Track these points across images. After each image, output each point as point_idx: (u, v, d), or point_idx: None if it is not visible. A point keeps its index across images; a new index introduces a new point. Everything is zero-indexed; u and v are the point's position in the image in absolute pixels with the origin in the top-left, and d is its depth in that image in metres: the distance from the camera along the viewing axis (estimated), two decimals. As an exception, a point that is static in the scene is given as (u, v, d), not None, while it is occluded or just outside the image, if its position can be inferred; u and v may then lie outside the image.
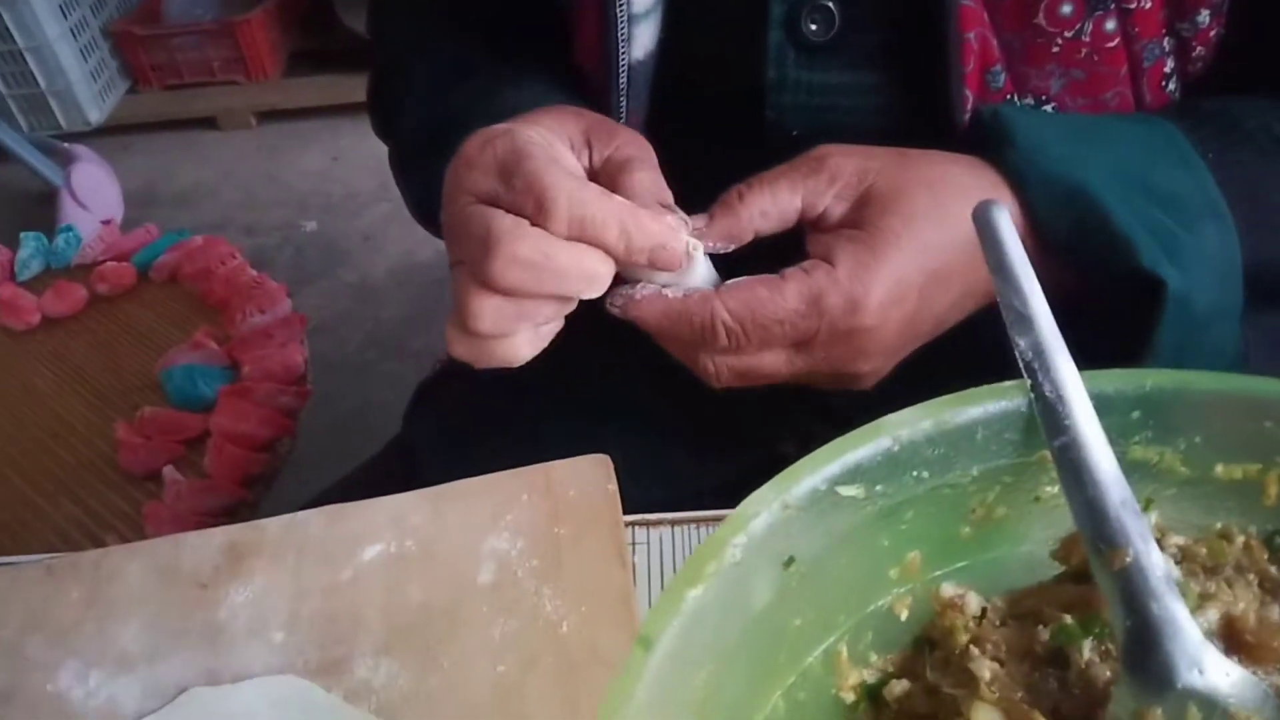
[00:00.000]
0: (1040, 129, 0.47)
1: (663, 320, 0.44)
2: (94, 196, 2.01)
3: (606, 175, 0.45)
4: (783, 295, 0.43)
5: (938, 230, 0.44)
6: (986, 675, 0.34)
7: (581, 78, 0.60)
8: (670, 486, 0.60)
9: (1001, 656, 0.35)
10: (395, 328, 1.91)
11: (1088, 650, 0.33)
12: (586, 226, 0.41)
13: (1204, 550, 0.35)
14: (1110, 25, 0.50)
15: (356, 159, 2.34)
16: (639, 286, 0.44)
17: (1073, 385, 0.33)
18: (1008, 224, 0.35)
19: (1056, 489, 0.34)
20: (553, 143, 0.45)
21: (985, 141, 0.47)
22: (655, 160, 0.46)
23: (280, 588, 0.44)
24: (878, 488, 0.33)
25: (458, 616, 0.42)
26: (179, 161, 2.40)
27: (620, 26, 0.53)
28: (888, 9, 0.52)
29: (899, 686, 0.35)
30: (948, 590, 0.36)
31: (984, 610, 0.36)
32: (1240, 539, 0.35)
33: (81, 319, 1.27)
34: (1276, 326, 0.55)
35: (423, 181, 0.65)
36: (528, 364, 0.55)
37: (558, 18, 0.62)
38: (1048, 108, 0.53)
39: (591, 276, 0.42)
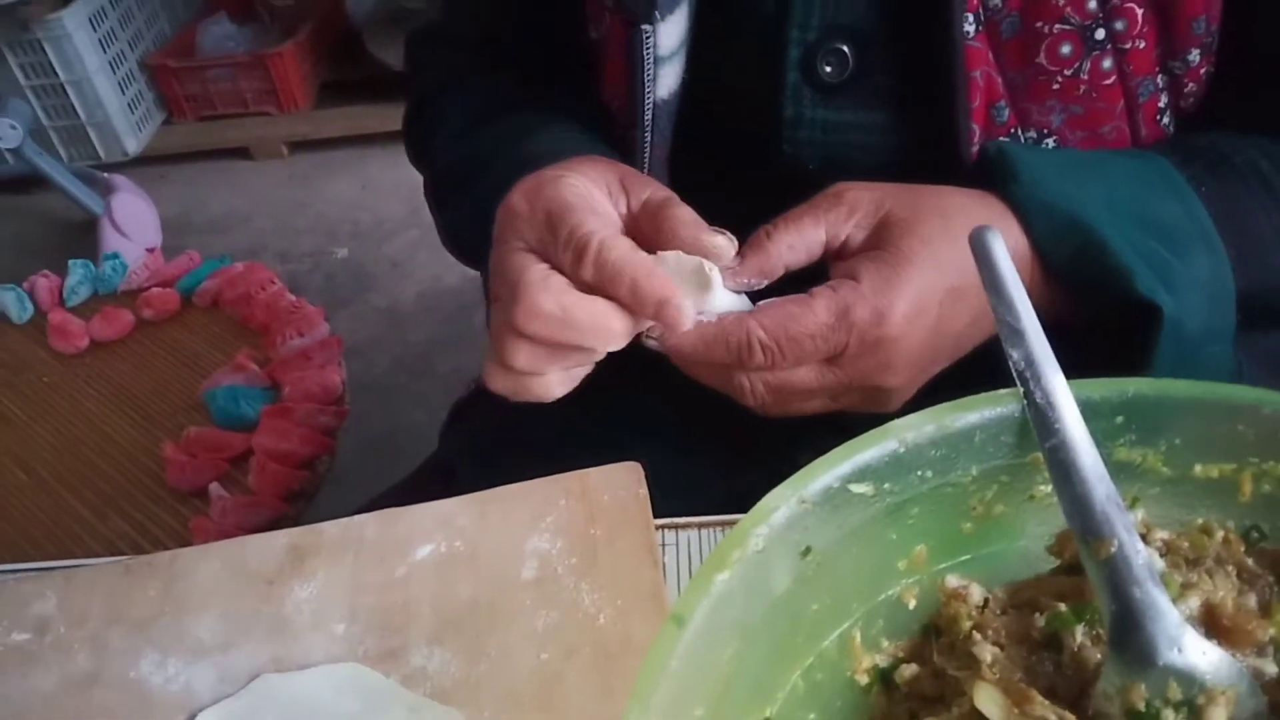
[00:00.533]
0: (1041, 163, 0.51)
1: (699, 345, 0.47)
2: (133, 225, 2.08)
3: (648, 215, 0.49)
4: (813, 310, 0.46)
5: (952, 251, 0.47)
6: (988, 658, 0.37)
7: (607, 115, 0.64)
8: (693, 498, 0.64)
9: (1002, 641, 0.38)
10: (423, 351, 1.96)
11: (1080, 635, 0.37)
12: (605, 273, 0.44)
13: (1186, 544, 0.38)
14: (1107, 64, 0.54)
15: (385, 187, 2.40)
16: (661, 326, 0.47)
17: (1061, 392, 0.36)
18: (1001, 247, 0.39)
19: (1049, 488, 0.38)
20: (591, 191, 0.49)
21: (991, 175, 0.51)
22: (680, 201, 0.49)
23: (340, 584, 0.48)
24: (886, 485, 0.37)
25: (503, 609, 0.46)
26: (213, 190, 2.47)
27: (646, 68, 0.56)
28: (898, 51, 0.56)
29: (908, 670, 0.39)
30: (952, 581, 0.39)
31: (986, 600, 0.39)
32: (1220, 533, 0.38)
33: (128, 343, 1.32)
34: (1266, 348, 0.58)
35: (454, 214, 0.69)
36: None
37: (584, 57, 0.67)
38: (1049, 141, 0.56)
39: (607, 332, 0.45)
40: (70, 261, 1.43)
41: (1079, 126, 0.56)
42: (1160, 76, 0.55)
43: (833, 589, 0.37)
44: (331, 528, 0.50)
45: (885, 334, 0.46)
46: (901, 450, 0.37)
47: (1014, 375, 0.38)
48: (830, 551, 0.36)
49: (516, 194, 0.48)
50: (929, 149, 0.56)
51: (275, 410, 1.15)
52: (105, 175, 2.22)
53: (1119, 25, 0.52)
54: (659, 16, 0.55)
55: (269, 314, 1.28)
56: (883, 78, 0.57)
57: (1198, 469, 0.38)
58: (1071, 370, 0.38)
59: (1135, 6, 0.52)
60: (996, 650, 0.38)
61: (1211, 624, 0.36)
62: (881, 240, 0.48)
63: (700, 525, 0.50)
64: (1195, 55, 0.54)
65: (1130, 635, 0.34)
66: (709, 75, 0.60)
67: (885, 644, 0.39)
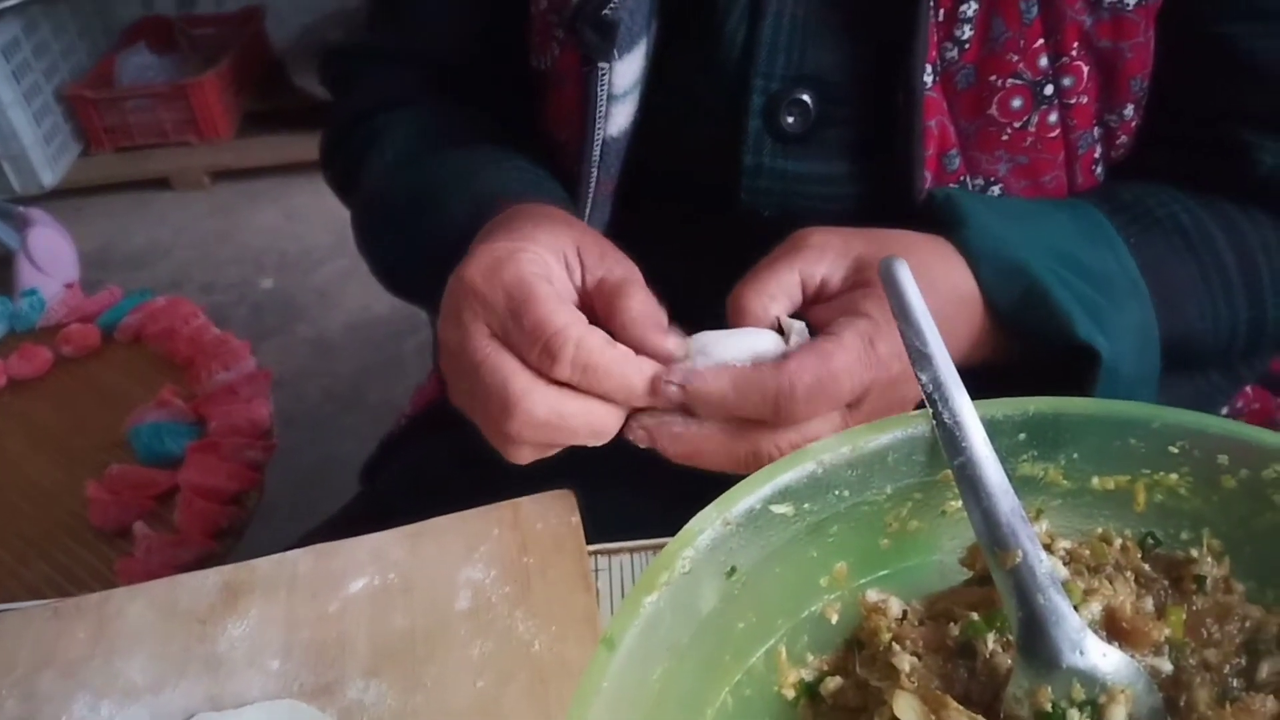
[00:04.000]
0: (987, 211, 0.53)
1: (730, 392, 0.45)
2: (51, 260, 2.03)
3: (601, 298, 0.48)
4: (844, 345, 0.45)
5: (929, 287, 0.46)
6: (906, 668, 0.39)
7: (552, 146, 0.65)
8: (628, 530, 0.65)
9: (919, 651, 0.40)
10: (353, 382, 1.94)
11: (991, 642, 0.39)
12: (589, 375, 0.44)
13: (1087, 552, 0.41)
14: (1053, 118, 0.57)
15: (310, 216, 2.39)
16: (696, 362, 0.45)
17: (967, 412, 0.38)
18: (908, 276, 0.41)
19: (959, 503, 0.40)
20: (549, 265, 0.48)
21: (939, 220, 0.53)
22: (642, 279, 0.48)
23: (274, 620, 0.48)
24: (805, 505, 0.38)
25: (439, 640, 0.46)
26: (133, 222, 2.43)
27: (600, 105, 0.57)
28: (859, 101, 0.58)
29: (833, 683, 0.40)
30: (872, 596, 0.41)
31: (904, 612, 0.41)
32: (1118, 541, 0.41)
33: (47, 381, 1.29)
34: (1182, 388, 0.61)
35: (391, 248, 0.68)
36: None
37: (524, 84, 0.66)
38: (995, 188, 0.59)
39: (599, 431, 0.45)
40: (-14, 299, 1.40)
41: (1023, 175, 0.59)
42: (1097, 129, 0.58)
43: (758, 607, 0.39)
44: (264, 564, 0.50)
45: (905, 370, 0.46)
46: (819, 471, 0.38)
47: (924, 397, 0.40)
48: (754, 571, 0.38)
49: (473, 270, 0.47)
50: (881, 198, 0.58)
51: (201, 446, 1.13)
52: (20, 209, 2.17)
53: (1066, 81, 0.55)
54: (617, 55, 0.55)
55: (193, 348, 1.26)
56: (842, 129, 0.58)
57: (1095, 481, 0.41)
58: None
59: (1082, 64, 0.55)
60: (915, 660, 0.39)
61: (1112, 627, 0.39)
62: (867, 278, 0.48)
63: (632, 550, 0.51)
64: (1130, 110, 0.58)
65: (1036, 640, 0.36)
66: (665, 116, 0.61)
67: (810, 658, 0.41)
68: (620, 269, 0.48)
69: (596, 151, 0.58)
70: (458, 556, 0.49)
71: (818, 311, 0.50)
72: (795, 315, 0.49)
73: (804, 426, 0.46)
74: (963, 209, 0.54)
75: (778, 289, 0.49)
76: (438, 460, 0.78)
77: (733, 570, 0.37)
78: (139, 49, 2.53)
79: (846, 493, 0.39)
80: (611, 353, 0.44)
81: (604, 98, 0.56)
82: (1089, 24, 0.54)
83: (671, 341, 0.45)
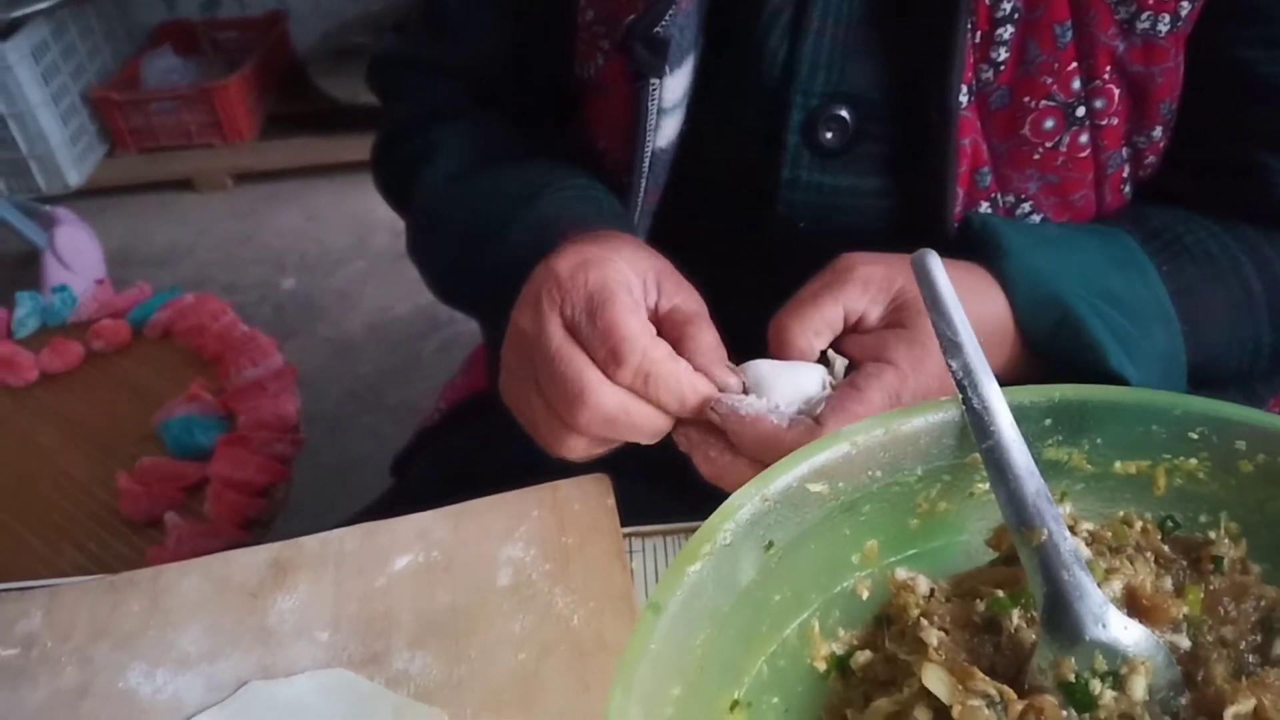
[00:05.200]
0: (1023, 240, 0.55)
1: (757, 443, 0.47)
2: (77, 257, 2.06)
3: (672, 325, 0.51)
4: (869, 404, 0.48)
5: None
6: (934, 642, 0.40)
7: (592, 153, 0.66)
8: (657, 519, 0.66)
9: (946, 627, 0.41)
10: (372, 382, 1.97)
11: (1016, 618, 0.40)
12: (650, 384, 0.47)
13: (1109, 534, 0.42)
14: (1084, 139, 0.58)
15: (331, 218, 2.41)
16: (747, 401, 0.48)
17: (995, 398, 0.40)
18: (940, 268, 0.43)
19: (987, 486, 0.41)
20: (631, 279, 0.50)
21: (976, 247, 0.55)
22: (709, 317, 0.51)
23: (322, 595, 0.50)
24: (840, 484, 0.40)
25: (481, 614, 0.48)
26: (156, 222, 2.46)
27: (650, 118, 0.58)
28: (895, 118, 0.59)
29: (863, 656, 0.42)
30: (901, 573, 0.43)
31: (931, 590, 0.43)
32: (1138, 524, 0.43)
33: (78, 375, 1.32)
34: None
35: (450, 269, 0.69)
36: None
37: (567, 97, 0.68)
38: (1025, 205, 0.60)
39: (657, 432, 0.49)
40: (17, 294, 1.42)
41: (1053, 194, 0.60)
42: (1125, 149, 0.60)
43: (793, 581, 0.40)
44: (311, 541, 0.52)
45: None
46: (853, 452, 0.40)
47: (954, 383, 0.41)
48: (790, 546, 0.40)
49: (561, 264, 0.49)
50: (914, 212, 0.60)
51: (231, 439, 1.16)
52: (47, 208, 2.20)
53: (1098, 104, 0.57)
54: (668, 70, 0.57)
55: (222, 344, 1.29)
56: (878, 145, 0.60)
57: (1118, 466, 0.42)
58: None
59: (1114, 87, 0.57)
60: (942, 635, 0.41)
61: (1132, 605, 0.40)
62: (902, 318, 0.51)
63: (665, 533, 0.53)
64: (1158, 131, 0.59)
65: (1060, 614, 0.38)
66: (708, 129, 0.62)
67: (841, 633, 0.43)
68: (694, 303, 0.52)
69: (646, 163, 0.60)
70: (499, 535, 0.51)
71: (852, 342, 0.52)
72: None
73: None
74: (1001, 237, 0.55)
75: (822, 324, 0.51)
76: (469, 453, 0.80)
77: (770, 544, 0.39)
78: (164, 52, 2.56)
79: (879, 473, 0.41)
80: (673, 365, 0.48)
81: (654, 111, 0.58)
82: (1121, 49, 0.56)
83: (731, 377, 0.49)
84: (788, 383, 0.49)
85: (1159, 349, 0.55)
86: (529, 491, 0.53)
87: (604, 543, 0.50)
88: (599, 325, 0.47)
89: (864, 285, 0.51)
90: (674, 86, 0.58)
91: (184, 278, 2.21)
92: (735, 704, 0.39)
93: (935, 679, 0.39)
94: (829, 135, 0.60)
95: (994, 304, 0.53)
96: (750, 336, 0.52)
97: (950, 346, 0.42)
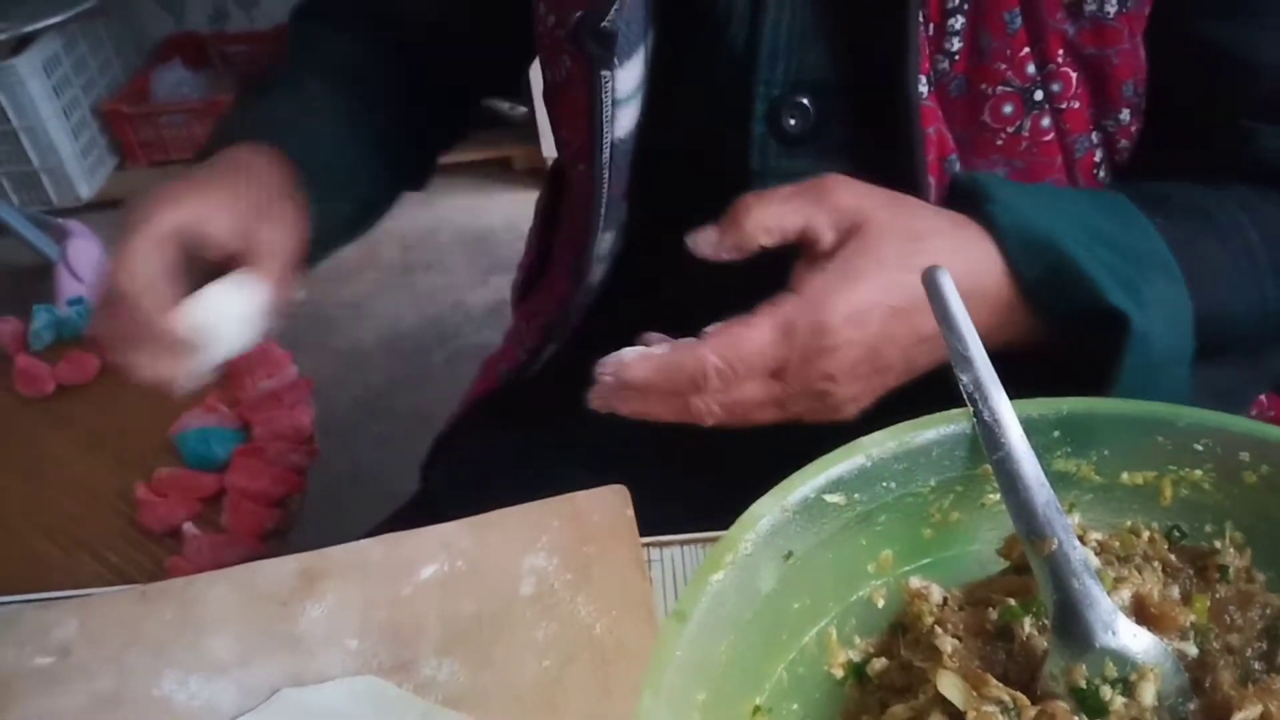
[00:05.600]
0: (1012, 189, 0.56)
1: (656, 375, 0.50)
2: (89, 270, 2.08)
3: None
4: (758, 329, 0.49)
5: (902, 274, 0.50)
6: (948, 649, 0.42)
7: (569, 152, 0.69)
8: (672, 528, 0.68)
9: (960, 635, 0.43)
10: (384, 392, 1.98)
11: (1028, 626, 0.42)
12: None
13: (1117, 544, 0.44)
14: (1045, 122, 0.59)
15: (341, 230, 2.42)
16: (624, 352, 0.50)
17: (1006, 411, 0.41)
18: (950, 283, 0.44)
19: (998, 496, 0.43)
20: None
21: (965, 199, 0.55)
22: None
23: (350, 603, 0.51)
24: (855, 496, 0.41)
25: (505, 622, 0.49)
26: (167, 235, 2.47)
27: (605, 110, 0.60)
28: (856, 105, 0.61)
29: (879, 664, 0.43)
30: (915, 583, 0.44)
31: (945, 599, 0.44)
32: (1146, 533, 0.44)
33: (94, 387, 1.33)
34: (1212, 377, 0.61)
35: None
36: (540, 416, 0.63)
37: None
38: None
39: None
40: (35, 306, 1.44)
41: (1022, 178, 0.61)
42: (1095, 134, 0.61)
43: (811, 590, 0.42)
44: (338, 551, 0.54)
45: (824, 344, 0.49)
46: (869, 464, 0.41)
47: (964, 396, 0.43)
48: (809, 556, 0.41)
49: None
50: None
51: (247, 450, 1.17)
52: (59, 221, 2.22)
53: (1055, 87, 0.58)
54: (618, 63, 0.59)
55: (237, 357, 1.29)
56: (842, 130, 0.61)
57: (1125, 477, 0.43)
58: (1037, 393, 0.43)
59: (1070, 70, 0.58)
60: (956, 642, 0.42)
61: (1141, 613, 0.42)
62: (839, 251, 0.51)
63: (682, 543, 0.54)
64: (1126, 115, 0.60)
65: (1071, 622, 0.39)
66: (674, 119, 0.64)
67: (858, 640, 0.44)
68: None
69: (606, 154, 0.62)
70: (521, 545, 0.52)
71: (798, 263, 0.52)
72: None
73: (730, 389, 0.50)
74: (988, 186, 0.56)
75: (776, 225, 0.51)
76: (488, 461, 0.81)
77: (789, 554, 0.40)
78: (173, 65, 2.59)
79: (893, 484, 0.42)
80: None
81: (609, 103, 0.60)
82: (1071, 32, 0.56)
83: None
84: None
85: (1163, 296, 0.54)
86: (550, 503, 0.54)
87: (624, 552, 0.52)
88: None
89: (831, 210, 0.52)
90: (626, 79, 0.60)
91: (194, 289, 2.23)
92: (757, 709, 0.40)
93: (950, 685, 0.40)
94: (792, 122, 0.61)
95: (984, 252, 0.53)
96: (728, 317, 0.52)
97: (960, 361, 0.43)
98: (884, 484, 0.42)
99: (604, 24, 0.58)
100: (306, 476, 1.17)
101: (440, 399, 1.96)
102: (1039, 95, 0.58)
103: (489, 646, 0.48)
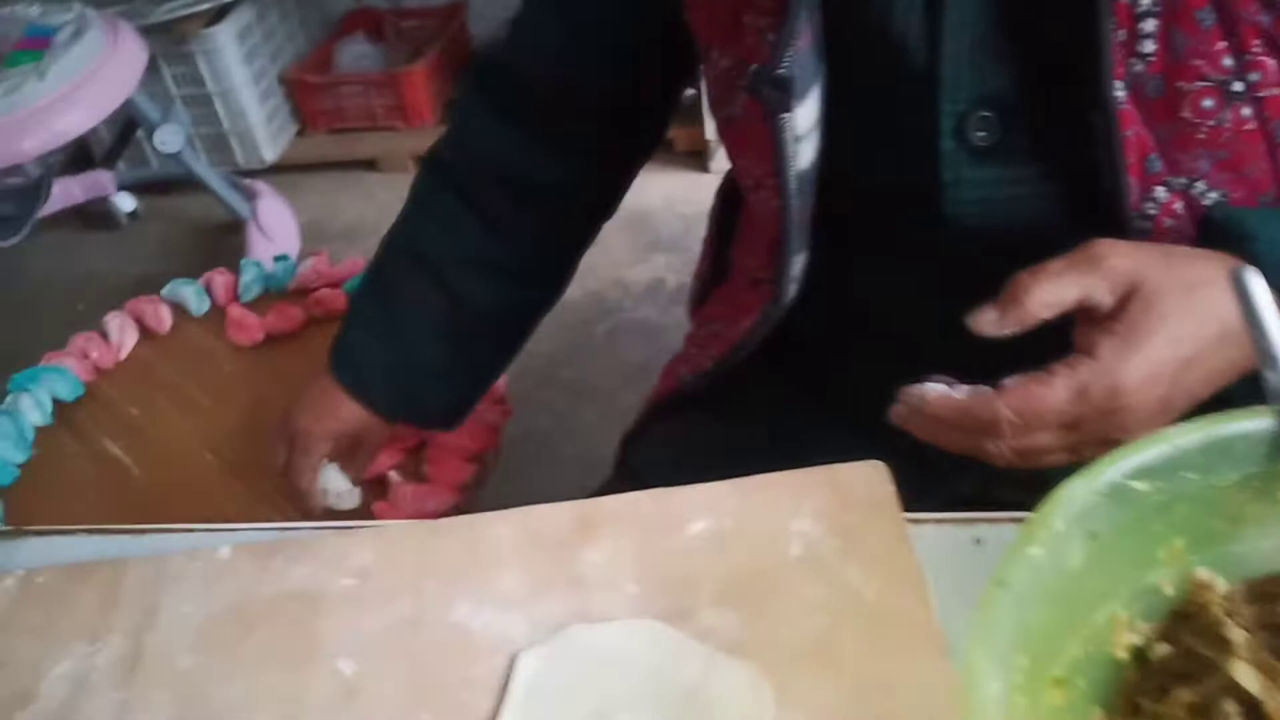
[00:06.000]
0: (1271, 223, 0.56)
1: (949, 414, 0.53)
2: (276, 229, 2.20)
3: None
4: (1054, 390, 0.52)
5: (1188, 326, 0.52)
6: (1240, 640, 0.43)
7: (750, 180, 0.72)
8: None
9: (1248, 626, 0.44)
10: (546, 361, 2.04)
11: (1324, 621, 0.42)
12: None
13: None
14: (1246, 111, 0.59)
15: (506, 202, 2.50)
16: (926, 386, 0.54)
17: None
18: (1257, 283, 0.44)
19: (1296, 495, 0.43)
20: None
21: (1225, 238, 0.56)
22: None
23: (627, 551, 0.55)
24: (1158, 484, 0.43)
25: (776, 580, 0.52)
26: (343, 199, 2.59)
27: (789, 147, 0.63)
28: (1045, 110, 0.62)
29: (1161, 649, 0.45)
30: (1202, 573, 0.45)
31: (1230, 591, 0.45)
32: None
33: (300, 338, 1.42)
34: None
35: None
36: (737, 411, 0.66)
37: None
38: (1199, 184, 0.61)
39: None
40: (243, 261, 1.54)
41: (1225, 169, 0.61)
42: None
43: (1108, 572, 0.43)
44: (611, 502, 0.57)
45: (1119, 405, 0.52)
46: (1174, 453, 0.42)
47: (1270, 395, 0.43)
48: (1110, 538, 0.42)
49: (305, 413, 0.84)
50: (1082, 201, 0.62)
51: (444, 406, 1.23)
52: (248, 182, 2.35)
53: (1254, 76, 0.58)
54: (793, 106, 0.62)
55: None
56: (1029, 138, 0.62)
57: None
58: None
59: (1266, 59, 0.57)
60: (1246, 634, 0.43)
61: None
62: (1123, 313, 0.53)
63: (938, 521, 0.56)
64: None
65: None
66: (856, 143, 0.65)
67: (1141, 626, 0.45)
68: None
69: (792, 186, 0.65)
70: (786, 509, 0.55)
71: (1078, 330, 0.54)
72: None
73: (1021, 438, 0.53)
74: (1247, 225, 0.57)
75: (1056, 300, 0.53)
76: (685, 441, 0.85)
77: (1095, 535, 0.42)
78: (357, 38, 2.70)
79: (1194, 475, 0.43)
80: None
81: (791, 140, 0.63)
82: (1267, 22, 0.56)
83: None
84: None
85: None
86: (809, 471, 0.57)
87: (888, 524, 0.54)
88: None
89: (1106, 277, 0.53)
90: (804, 116, 0.63)
91: (370, 253, 2.33)
92: (1057, 681, 0.42)
93: (1246, 675, 0.41)
94: (980, 135, 0.62)
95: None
96: (933, 335, 0.55)
97: (1267, 359, 0.43)
98: (1186, 474, 0.43)
99: (779, 71, 0.60)
100: (500, 434, 1.23)
101: (602, 371, 2.02)
102: (1238, 86, 0.58)
103: (763, 601, 0.51)
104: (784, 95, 0.62)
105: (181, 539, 0.62)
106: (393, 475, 1.15)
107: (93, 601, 0.57)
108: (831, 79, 0.64)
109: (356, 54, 2.66)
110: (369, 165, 2.68)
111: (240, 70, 2.52)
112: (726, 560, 0.53)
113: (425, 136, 2.67)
